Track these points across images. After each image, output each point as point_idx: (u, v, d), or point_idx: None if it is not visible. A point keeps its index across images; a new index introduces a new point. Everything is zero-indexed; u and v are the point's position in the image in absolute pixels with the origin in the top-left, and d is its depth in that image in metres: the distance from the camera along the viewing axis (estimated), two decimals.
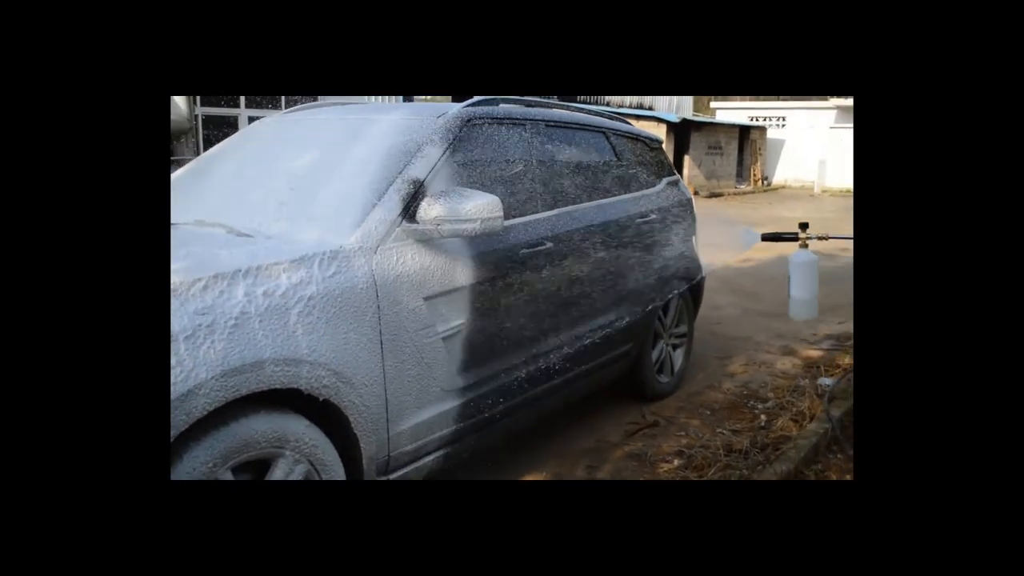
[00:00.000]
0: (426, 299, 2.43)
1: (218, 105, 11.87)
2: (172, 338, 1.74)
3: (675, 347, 4.31)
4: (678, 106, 25.20)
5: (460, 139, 2.80)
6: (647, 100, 23.86)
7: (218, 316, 1.85)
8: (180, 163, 8.91)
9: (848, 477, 3.19)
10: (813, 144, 25.78)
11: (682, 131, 20.82)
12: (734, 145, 24.05)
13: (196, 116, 11.18)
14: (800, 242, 4.25)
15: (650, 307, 3.85)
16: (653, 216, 3.94)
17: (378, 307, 2.26)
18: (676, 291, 4.15)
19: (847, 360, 4.73)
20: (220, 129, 11.69)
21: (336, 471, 2.14)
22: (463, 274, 2.58)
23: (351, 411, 2.15)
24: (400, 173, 2.53)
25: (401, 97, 13.61)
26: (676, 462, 3.35)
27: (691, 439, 3.61)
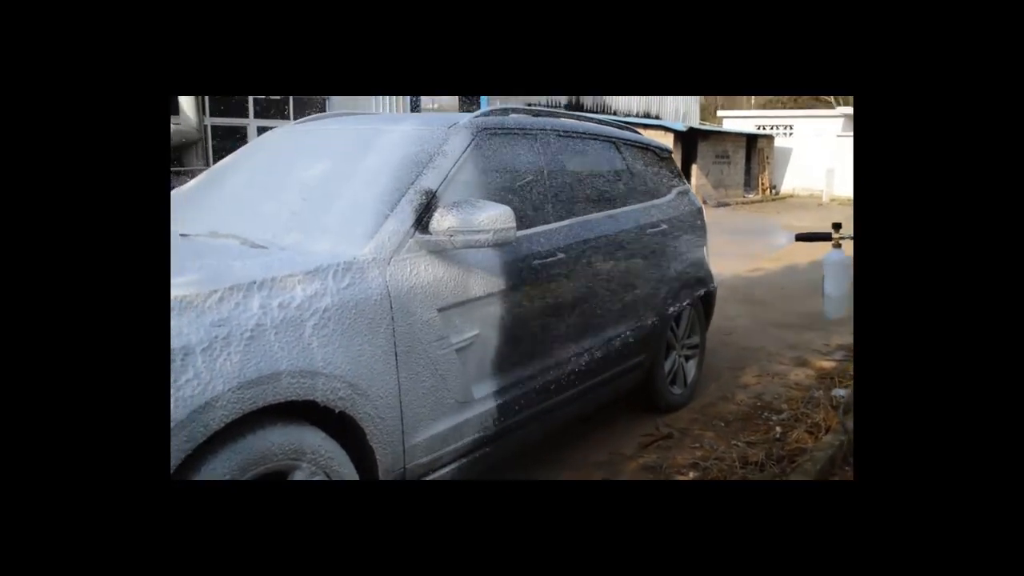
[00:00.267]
0: (440, 310, 2.41)
1: (227, 115, 11.92)
2: (189, 351, 1.73)
3: (688, 358, 4.28)
4: (685, 115, 25.21)
5: (472, 150, 2.80)
6: (654, 109, 23.88)
7: (234, 328, 1.84)
8: (190, 173, 8.95)
9: None
10: (821, 153, 25.70)
11: (689, 140, 20.81)
12: (741, 154, 24.02)
13: (205, 126, 11.22)
14: (833, 242, 4.28)
15: (662, 317, 3.83)
16: (664, 226, 3.92)
17: (392, 318, 2.25)
18: (688, 301, 4.13)
19: None
20: (229, 139, 11.74)
21: None
22: (476, 285, 2.57)
23: (366, 423, 2.14)
24: (412, 184, 2.52)
25: (408, 99, 13.66)
26: (691, 474, 3.32)
27: (706, 451, 3.58)
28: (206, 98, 11.34)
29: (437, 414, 2.42)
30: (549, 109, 3.61)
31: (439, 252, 2.45)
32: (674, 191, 4.28)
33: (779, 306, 6.93)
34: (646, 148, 4.20)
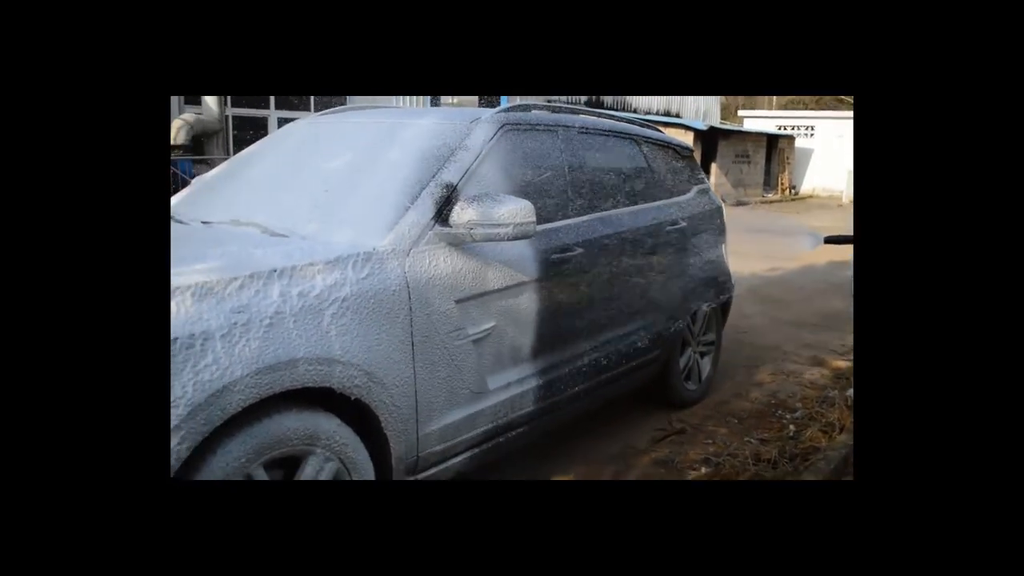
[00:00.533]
0: (457, 302, 2.43)
1: (248, 106, 12.01)
2: (209, 336, 1.76)
3: (703, 355, 4.28)
4: (705, 114, 25.07)
5: (493, 144, 2.81)
6: (674, 107, 23.78)
7: (254, 315, 1.87)
8: (210, 163, 9.03)
9: None
10: (842, 154, 25.51)
11: (709, 139, 20.71)
12: (762, 154, 23.87)
13: (226, 117, 11.31)
14: None
15: (679, 314, 3.83)
16: (683, 224, 3.92)
17: (410, 309, 2.27)
18: (704, 298, 4.13)
19: None
20: (250, 130, 11.82)
21: (366, 470, 2.15)
22: (494, 278, 2.58)
23: (382, 411, 2.16)
24: (434, 177, 2.55)
25: (428, 99, 13.69)
26: (703, 470, 3.33)
27: (718, 447, 3.58)
28: None
29: (451, 404, 2.44)
30: (570, 106, 3.62)
31: (458, 245, 2.47)
32: (694, 189, 4.27)
33: (796, 305, 6.90)
34: (667, 146, 4.20)
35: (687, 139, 18.15)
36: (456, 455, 2.51)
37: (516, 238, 2.46)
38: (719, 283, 4.28)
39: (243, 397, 1.79)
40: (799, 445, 3.53)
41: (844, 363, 5.04)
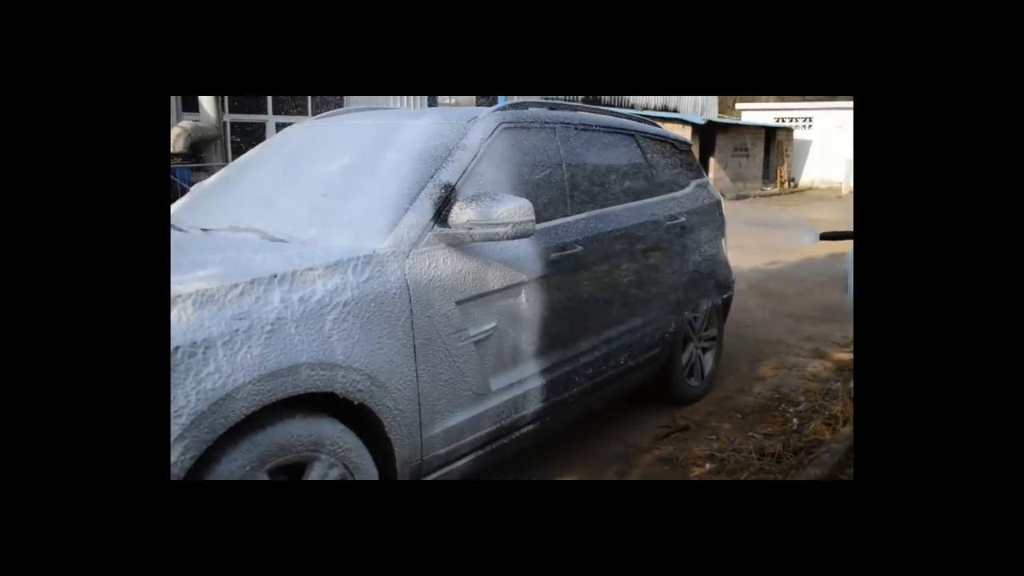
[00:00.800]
0: (458, 303, 2.43)
1: (245, 112, 12.00)
2: (210, 344, 1.76)
3: (705, 350, 4.28)
4: (703, 108, 25.04)
5: (491, 143, 2.81)
6: (672, 102, 23.75)
7: (255, 321, 1.87)
8: (209, 170, 9.02)
9: None
10: (840, 145, 25.49)
11: (707, 133, 20.69)
12: (760, 147, 23.84)
13: (224, 123, 11.30)
14: None
15: (680, 310, 3.83)
16: (683, 219, 3.92)
17: (411, 311, 2.27)
18: (705, 294, 4.13)
19: None
20: (248, 136, 11.81)
21: (370, 474, 2.15)
22: (494, 278, 2.58)
23: (385, 415, 2.16)
24: (432, 177, 2.54)
25: (426, 99, 13.68)
26: (708, 466, 3.33)
27: (722, 443, 3.58)
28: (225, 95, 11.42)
29: (454, 406, 2.44)
30: (567, 103, 3.62)
31: (458, 245, 2.46)
32: (693, 184, 4.27)
33: (797, 298, 6.90)
34: (664, 141, 4.19)
35: (685, 134, 18.13)
36: (460, 457, 2.51)
37: (515, 237, 2.45)
38: (720, 277, 4.28)
39: (246, 405, 1.79)
40: (803, 439, 3.53)
41: (846, 355, 5.04)
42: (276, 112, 12.41)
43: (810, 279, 7.69)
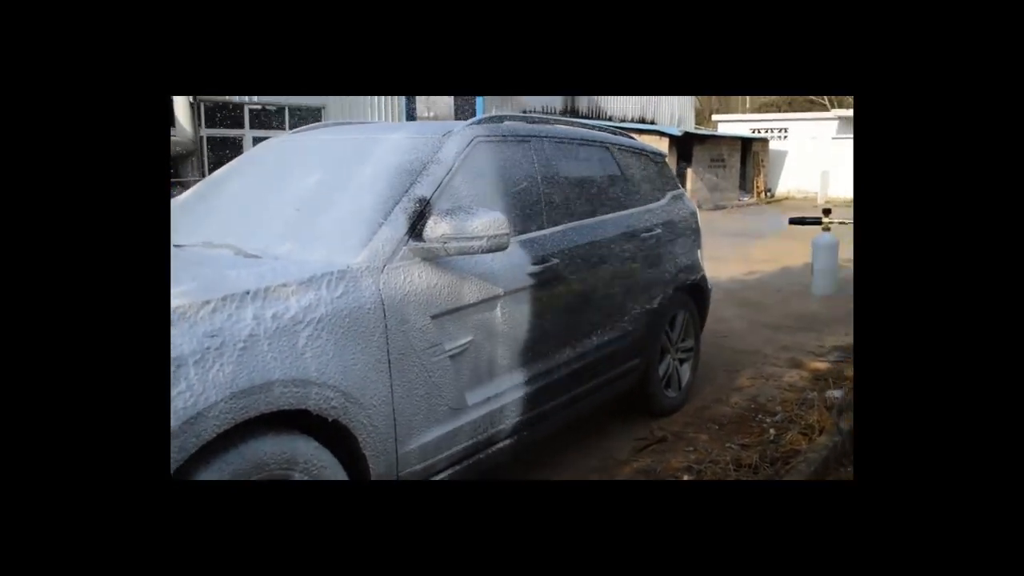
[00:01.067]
0: (433, 317, 2.43)
1: (222, 126, 11.94)
2: (182, 361, 1.74)
3: (682, 361, 4.29)
4: (680, 119, 25.26)
5: (466, 157, 2.81)
6: (649, 114, 23.93)
7: (227, 339, 1.85)
8: (185, 185, 8.96)
9: None
10: (816, 155, 25.78)
11: (684, 145, 20.85)
12: (736, 157, 24.05)
13: (201, 137, 11.23)
14: (823, 226, 4.59)
15: (657, 321, 3.84)
16: (659, 230, 3.94)
17: (386, 327, 2.26)
18: (682, 305, 4.15)
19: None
20: (224, 150, 11.75)
21: None
22: (470, 292, 2.58)
23: (360, 431, 2.15)
24: (406, 192, 2.54)
25: (404, 108, 13.67)
26: (685, 477, 3.33)
27: (700, 454, 3.59)
28: (201, 109, 11.35)
29: (430, 421, 2.43)
30: (543, 116, 3.63)
31: (433, 259, 2.46)
32: (668, 195, 4.30)
33: (774, 308, 6.95)
34: (640, 153, 4.22)
35: (662, 145, 18.26)
36: (437, 473, 2.50)
37: (490, 251, 2.46)
38: (696, 288, 4.30)
39: (218, 423, 1.77)
40: (780, 449, 3.55)
41: (822, 364, 5.08)
42: (254, 127, 12.36)
43: (787, 289, 7.76)
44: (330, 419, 2.06)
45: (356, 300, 2.20)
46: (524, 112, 3.53)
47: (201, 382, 1.76)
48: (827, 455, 3.36)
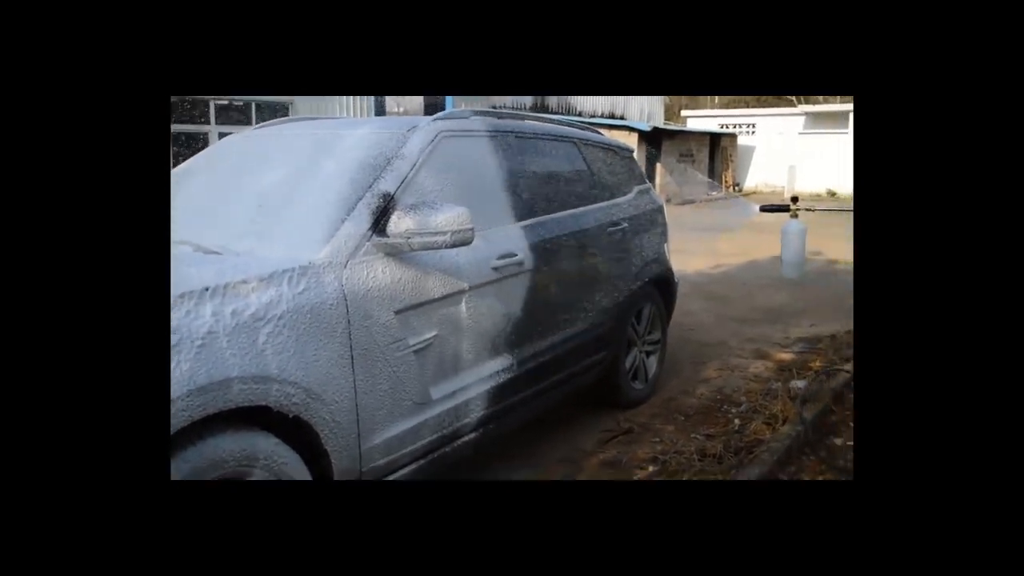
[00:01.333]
0: (397, 313, 2.42)
1: (188, 122, 11.79)
2: None
3: (649, 354, 4.33)
4: (650, 115, 25.38)
5: (431, 152, 2.81)
6: (619, 110, 24.02)
7: (185, 336, 1.83)
8: None
9: (821, 478, 3.22)
10: (783, 150, 26.08)
11: (653, 140, 20.98)
12: (705, 152, 24.27)
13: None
14: (791, 213, 4.82)
15: (623, 315, 3.87)
16: (625, 224, 3.96)
17: (348, 322, 2.25)
18: (649, 298, 4.18)
19: (818, 363, 4.79)
20: (190, 146, 11.60)
21: None
22: (434, 287, 2.58)
23: (321, 427, 2.14)
24: (370, 187, 2.53)
25: (373, 104, 13.58)
26: (651, 468, 3.36)
27: (666, 445, 3.62)
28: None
29: (394, 416, 2.42)
30: (511, 111, 3.63)
31: (397, 254, 2.45)
32: (635, 190, 4.33)
33: (740, 301, 7.02)
34: (607, 148, 4.24)
35: (631, 141, 18.35)
36: (400, 468, 2.49)
37: (454, 245, 2.46)
38: (662, 281, 4.34)
39: (175, 420, 1.76)
40: (744, 439, 3.59)
41: (786, 355, 5.15)
42: (219, 122, 12.22)
43: (752, 282, 7.84)
44: (291, 415, 2.05)
45: (318, 296, 2.18)
46: (493, 107, 3.53)
47: None
48: (790, 444, 3.41)
